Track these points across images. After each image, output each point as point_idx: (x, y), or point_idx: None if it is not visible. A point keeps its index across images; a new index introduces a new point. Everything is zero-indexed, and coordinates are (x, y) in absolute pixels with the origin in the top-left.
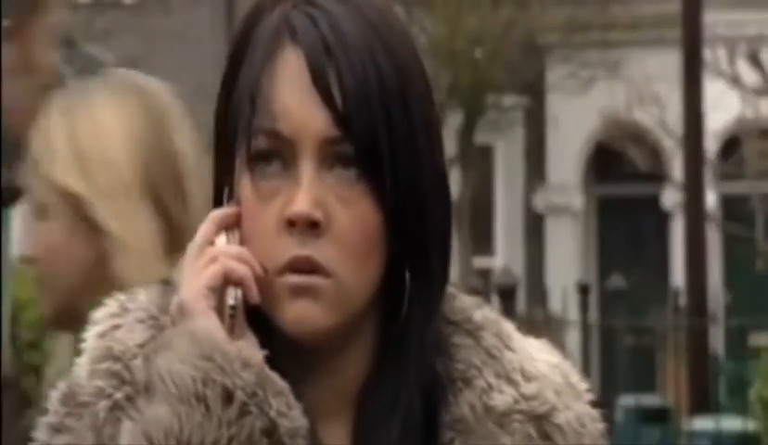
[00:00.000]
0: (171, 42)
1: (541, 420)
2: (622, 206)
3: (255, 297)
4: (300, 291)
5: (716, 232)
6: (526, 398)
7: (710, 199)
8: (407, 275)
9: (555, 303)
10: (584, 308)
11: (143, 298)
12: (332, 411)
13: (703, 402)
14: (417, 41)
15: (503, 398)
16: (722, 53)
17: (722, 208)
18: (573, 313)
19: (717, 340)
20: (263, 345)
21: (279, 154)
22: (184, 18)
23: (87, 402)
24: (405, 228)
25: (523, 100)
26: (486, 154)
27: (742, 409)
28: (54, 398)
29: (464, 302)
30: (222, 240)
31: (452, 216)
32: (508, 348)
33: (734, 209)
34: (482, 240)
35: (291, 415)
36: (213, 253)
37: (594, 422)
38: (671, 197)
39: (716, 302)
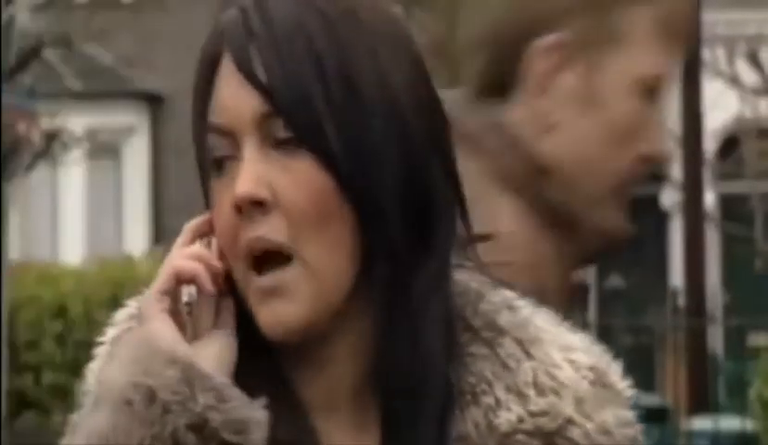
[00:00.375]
0: (169, 41)
1: (551, 436)
2: None
3: (210, 290)
4: (269, 292)
5: (715, 232)
6: (533, 414)
7: (709, 199)
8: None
9: None
10: (583, 307)
11: None
12: (334, 402)
13: (702, 402)
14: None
15: (507, 416)
16: (720, 52)
17: (720, 207)
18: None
19: (716, 340)
20: (260, 341)
21: (228, 149)
22: (182, 17)
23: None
24: (357, 192)
25: None
26: None
27: (741, 409)
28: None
29: (492, 302)
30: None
31: (435, 182)
32: (528, 355)
33: (733, 208)
34: None
35: (225, 408)
36: (168, 259)
37: (623, 427)
38: (669, 197)
39: (715, 302)
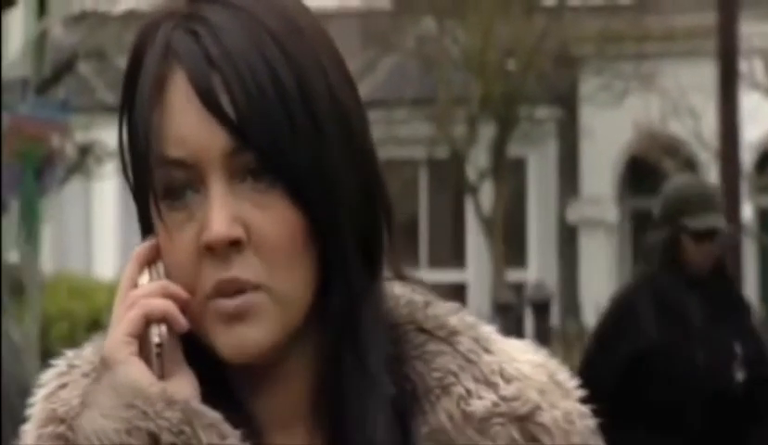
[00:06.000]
0: None
1: (524, 421)
2: None
3: (183, 326)
4: (234, 316)
5: (752, 244)
6: (506, 399)
7: (747, 212)
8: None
9: (588, 317)
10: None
11: (88, 351)
12: (288, 420)
13: None
14: (450, 53)
15: (482, 402)
16: (758, 64)
17: (758, 220)
18: None
19: None
20: (207, 366)
21: (186, 180)
22: None
23: None
24: (325, 225)
25: (556, 112)
26: (519, 166)
27: None
28: None
29: (438, 309)
30: (145, 278)
31: (384, 208)
32: (487, 350)
33: None
34: (515, 253)
35: None
36: (132, 297)
37: (583, 418)
38: None
39: None
